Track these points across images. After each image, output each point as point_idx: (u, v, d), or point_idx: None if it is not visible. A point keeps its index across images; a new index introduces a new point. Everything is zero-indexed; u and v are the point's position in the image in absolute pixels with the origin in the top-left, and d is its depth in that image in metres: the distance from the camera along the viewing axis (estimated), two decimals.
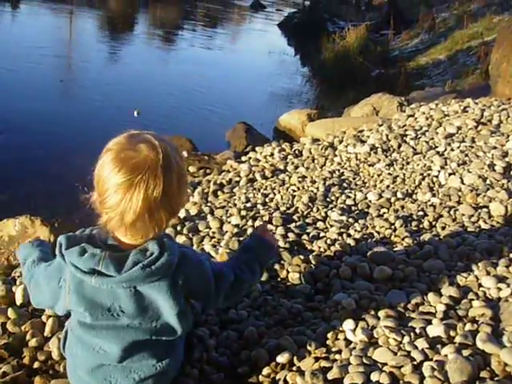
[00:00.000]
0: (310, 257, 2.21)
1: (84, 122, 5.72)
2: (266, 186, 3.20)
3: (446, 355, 1.52)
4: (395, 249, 2.29)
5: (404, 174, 3.25)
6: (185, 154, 3.92)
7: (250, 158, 3.90)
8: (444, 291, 1.89)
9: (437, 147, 3.63)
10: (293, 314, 1.87)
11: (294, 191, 3.09)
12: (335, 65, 9.33)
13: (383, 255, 2.17)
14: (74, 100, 6.94)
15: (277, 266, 2.14)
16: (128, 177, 1.16)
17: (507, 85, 4.88)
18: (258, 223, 2.59)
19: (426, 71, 9.55)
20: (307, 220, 2.68)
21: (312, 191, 3.06)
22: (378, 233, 2.49)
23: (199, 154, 4.16)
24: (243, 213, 2.74)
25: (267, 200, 2.98)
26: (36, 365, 1.67)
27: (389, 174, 3.30)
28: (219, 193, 3.15)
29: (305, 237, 2.44)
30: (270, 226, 2.54)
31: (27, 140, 4.97)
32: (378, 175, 3.31)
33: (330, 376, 1.51)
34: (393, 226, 2.54)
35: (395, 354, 1.56)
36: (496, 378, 1.45)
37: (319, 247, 2.33)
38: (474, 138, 3.69)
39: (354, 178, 3.30)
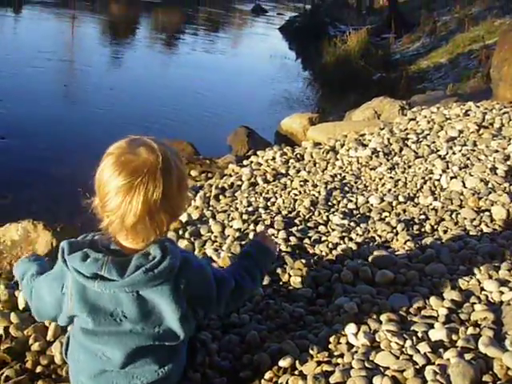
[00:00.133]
0: (312, 261, 2.22)
1: (87, 127, 5.73)
2: (268, 190, 3.20)
3: (448, 359, 1.52)
4: (397, 253, 2.29)
5: (406, 178, 3.25)
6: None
7: (251, 161, 3.90)
8: (446, 295, 1.89)
9: (438, 151, 3.63)
10: (295, 318, 1.87)
11: (296, 195, 3.10)
12: (336, 68, 9.35)
13: (385, 259, 2.17)
14: (77, 104, 6.97)
15: (279, 270, 2.14)
16: (128, 179, 1.17)
17: (509, 88, 4.89)
18: (259, 227, 2.60)
19: (428, 75, 9.56)
20: (309, 224, 2.68)
21: (314, 195, 3.06)
22: (380, 237, 2.49)
23: (201, 158, 4.15)
24: (245, 217, 2.74)
25: (269, 204, 2.98)
26: (39, 369, 1.67)
27: (390, 177, 3.30)
28: (221, 197, 3.15)
29: (306, 241, 2.45)
30: (271, 230, 2.54)
31: (30, 144, 4.98)
32: (380, 179, 3.30)
33: (332, 380, 1.51)
34: (394, 230, 2.54)
35: (397, 357, 1.56)
36: (498, 382, 1.45)
37: (321, 251, 2.33)
38: (476, 141, 3.69)
39: (355, 182, 3.30)
